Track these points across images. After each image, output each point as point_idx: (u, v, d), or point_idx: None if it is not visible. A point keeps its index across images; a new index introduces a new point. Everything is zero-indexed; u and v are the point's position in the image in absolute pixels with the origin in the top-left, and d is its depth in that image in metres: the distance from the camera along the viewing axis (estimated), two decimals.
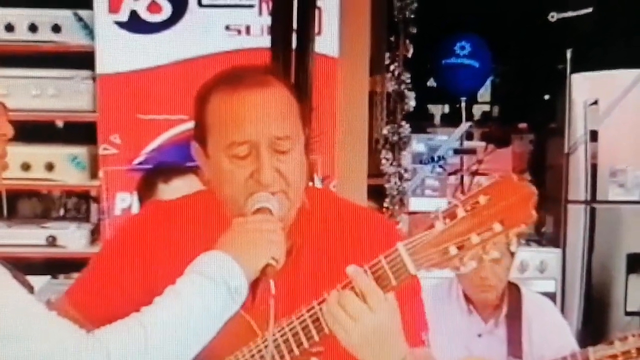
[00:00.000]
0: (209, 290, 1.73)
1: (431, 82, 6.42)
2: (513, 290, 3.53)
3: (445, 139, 5.89)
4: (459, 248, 1.66)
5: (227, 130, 1.83)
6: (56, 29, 4.62)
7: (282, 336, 1.78)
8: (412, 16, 5.08)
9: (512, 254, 3.37)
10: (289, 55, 4.00)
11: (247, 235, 1.78)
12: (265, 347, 1.78)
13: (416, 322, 1.90)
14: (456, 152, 6.05)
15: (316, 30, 4.29)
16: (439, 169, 5.76)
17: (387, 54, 5.15)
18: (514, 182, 1.67)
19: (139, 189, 3.40)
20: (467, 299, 3.52)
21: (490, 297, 3.44)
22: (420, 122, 5.94)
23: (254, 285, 1.81)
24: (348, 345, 1.73)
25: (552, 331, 3.51)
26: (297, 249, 1.91)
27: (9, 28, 4.58)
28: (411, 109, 5.25)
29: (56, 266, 4.63)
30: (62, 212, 4.93)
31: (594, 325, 5.37)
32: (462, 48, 6.04)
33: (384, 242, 1.78)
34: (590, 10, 5.59)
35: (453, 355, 3.28)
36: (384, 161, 5.17)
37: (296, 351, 1.78)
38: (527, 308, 3.52)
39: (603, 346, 3.17)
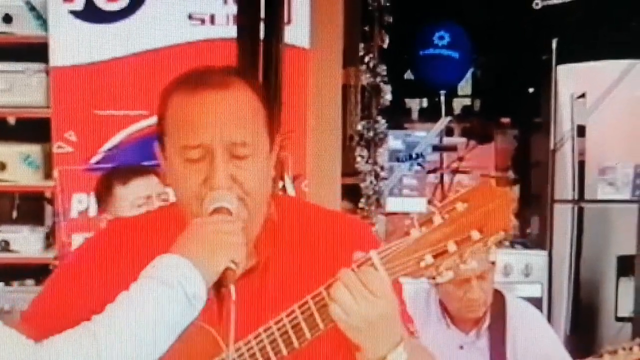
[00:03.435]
0: (165, 296, 1.69)
1: (408, 75, 6.48)
2: (496, 298, 3.47)
3: (424, 135, 5.90)
4: (435, 257, 1.66)
5: (181, 133, 1.79)
6: (7, 19, 4.50)
7: (248, 350, 1.75)
8: (388, 4, 5.09)
9: (493, 263, 3.36)
10: (257, 46, 3.95)
11: (205, 238, 1.74)
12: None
13: (403, 315, 1.87)
14: (435, 148, 6.07)
15: (285, 19, 4.24)
16: (417, 167, 5.78)
17: (361, 45, 5.12)
18: (493, 188, 1.66)
19: (97, 191, 3.40)
20: (445, 311, 3.47)
21: (479, 314, 3.42)
22: (397, 117, 5.97)
23: (218, 296, 1.77)
24: (346, 328, 1.72)
25: (538, 341, 3.46)
26: (264, 264, 1.87)
27: None
28: (387, 103, 5.24)
29: (9, 272, 4.57)
30: (14, 214, 4.78)
31: (583, 332, 5.39)
32: (441, 38, 6.10)
33: (359, 249, 1.76)
34: None
35: None
36: (358, 159, 5.12)
37: None
38: (511, 317, 3.46)
39: None
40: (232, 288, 1.68)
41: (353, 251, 1.74)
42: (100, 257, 1.92)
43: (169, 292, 1.68)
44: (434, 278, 1.68)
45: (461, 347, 3.44)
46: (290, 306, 1.74)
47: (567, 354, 3.45)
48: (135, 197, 3.16)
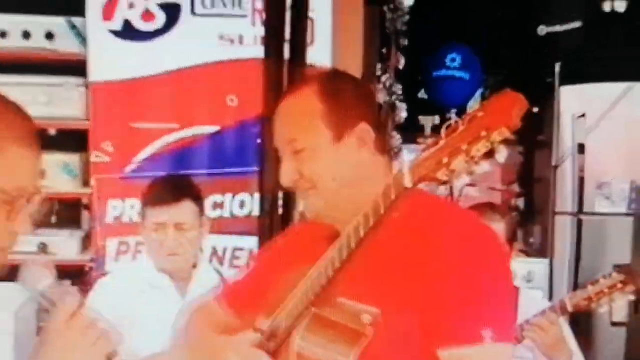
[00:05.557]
0: None
1: (422, 94, 6.51)
2: None
3: None
4: (450, 157, 1.65)
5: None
6: (49, 36, 4.56)
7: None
8: (404, 28, 5.10)
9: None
10: (281, 65, 4.01)
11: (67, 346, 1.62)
12: None
13: (482, 314, 1.84)
14: None
15: (308, 40, 4.30)
16: None
17: (379, 65, 5.13)
18: (507, 93, 1.62)
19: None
20: None
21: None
22: (411, 132, 5.96)
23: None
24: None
25: None
26: (368, 245, 1.89)
27: (2, 34, 4.51)
28: (402, 120, 5.28)
29: None
30: (53, 219, 4.69)
31: (580, 335, 5.15)
32: (453, 60, 6.14)
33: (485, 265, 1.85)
34: (578, 24, 5.65)
35: None
36: None
37: None
38: (522, 305, 3.41)
39: (578, 292, 3.26)
40: None
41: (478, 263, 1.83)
42: (277, 252, 2.25)
43: None
44: (449, 181, 1.72)
45: None
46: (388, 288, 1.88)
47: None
48: (152, 221, 3.10)
